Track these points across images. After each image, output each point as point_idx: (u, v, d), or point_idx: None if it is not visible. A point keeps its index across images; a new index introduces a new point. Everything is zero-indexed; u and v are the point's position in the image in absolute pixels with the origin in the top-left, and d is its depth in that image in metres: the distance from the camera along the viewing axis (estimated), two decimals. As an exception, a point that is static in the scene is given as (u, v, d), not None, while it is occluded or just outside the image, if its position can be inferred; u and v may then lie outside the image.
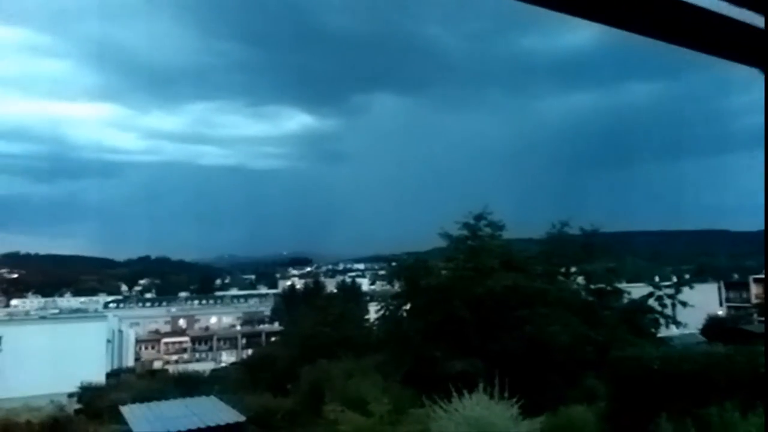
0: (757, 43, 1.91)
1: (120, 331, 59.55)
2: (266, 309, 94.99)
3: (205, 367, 57.11)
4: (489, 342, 22.47)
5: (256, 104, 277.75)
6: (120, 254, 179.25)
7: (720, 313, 57.60)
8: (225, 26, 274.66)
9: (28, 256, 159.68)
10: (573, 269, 28.31)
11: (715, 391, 12.61)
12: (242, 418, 16.51)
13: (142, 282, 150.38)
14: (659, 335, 26.84)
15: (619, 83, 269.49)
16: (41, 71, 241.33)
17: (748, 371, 13.09)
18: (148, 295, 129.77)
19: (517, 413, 13.51)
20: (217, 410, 17.09)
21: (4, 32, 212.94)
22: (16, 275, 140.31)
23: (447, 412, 13.62)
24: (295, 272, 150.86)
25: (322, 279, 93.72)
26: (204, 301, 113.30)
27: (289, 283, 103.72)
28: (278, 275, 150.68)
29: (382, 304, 28.94)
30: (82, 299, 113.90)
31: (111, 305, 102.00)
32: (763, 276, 72.30)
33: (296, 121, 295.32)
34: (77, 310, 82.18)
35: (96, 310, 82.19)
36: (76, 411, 27.60)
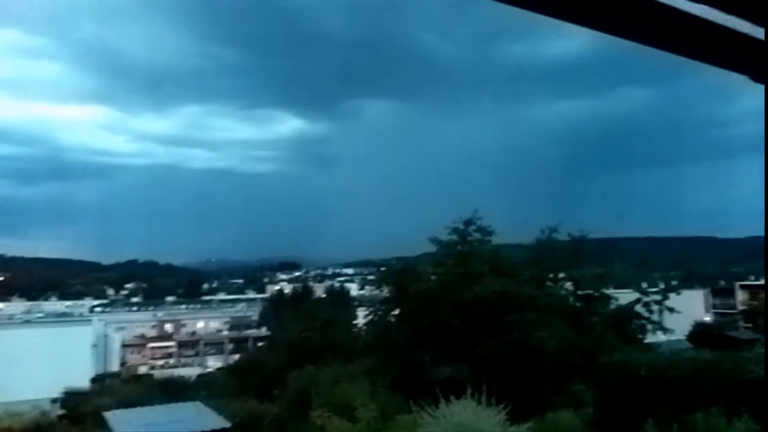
0: (758, 54, 1.91)
1: (105, 336, 59.00)
2: (254, 314, 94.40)
3: (192, 372, 56.70)
4: (477, 347, 22.45)
5: (248, 108, 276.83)
6: (107, 258, 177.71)
7: (706, 319, 57.96)
8: (218, 30, 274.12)
9: (13, 258, 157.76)
10: (561, 275, 28.38)
11: (702, 397, 12.67)
12: (228, 424, 16.37)
13: (128, 286, 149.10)
14: (646, 341, 26.95)
15: (610, 90, 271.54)
16: (32, 73, 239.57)
17: (735, 377, 13.16)
18: (135, 300, 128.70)
19: (505, 419, 13.49)
20: (203, 416, 16.93)
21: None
22: (0, 278, 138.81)
23: (434, 418, 13.57)
24: (283, 277, 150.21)
25: (311, 284, 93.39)
26: (191, 306, 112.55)
27: (277, 287, 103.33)
28: (266, 280, 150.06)
29: (371, 309, 28.89)
30: (68, 303, 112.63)
31: (97, 309, 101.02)
32: (749, 282, 73.02)
33: (288, 125, 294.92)
34: (63, 314, 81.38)
35: (82, 314, 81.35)
36: (60, 416, 27.27)
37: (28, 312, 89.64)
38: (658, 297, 27.63)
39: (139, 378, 46.86)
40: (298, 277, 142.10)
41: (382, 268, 29.19)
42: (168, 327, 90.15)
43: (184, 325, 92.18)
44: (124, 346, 75.54)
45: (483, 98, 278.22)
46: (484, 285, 23.90)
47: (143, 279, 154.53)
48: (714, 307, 69.59)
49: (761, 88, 2.01)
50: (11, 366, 38.17)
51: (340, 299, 65.27)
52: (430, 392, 14.52)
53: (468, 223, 26.73)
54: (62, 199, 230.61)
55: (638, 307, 27.29)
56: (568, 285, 28.22)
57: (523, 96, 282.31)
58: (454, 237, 26.78)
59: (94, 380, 42.71)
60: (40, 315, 78.35)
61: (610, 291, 29.41)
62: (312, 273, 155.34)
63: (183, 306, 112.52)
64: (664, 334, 28.11)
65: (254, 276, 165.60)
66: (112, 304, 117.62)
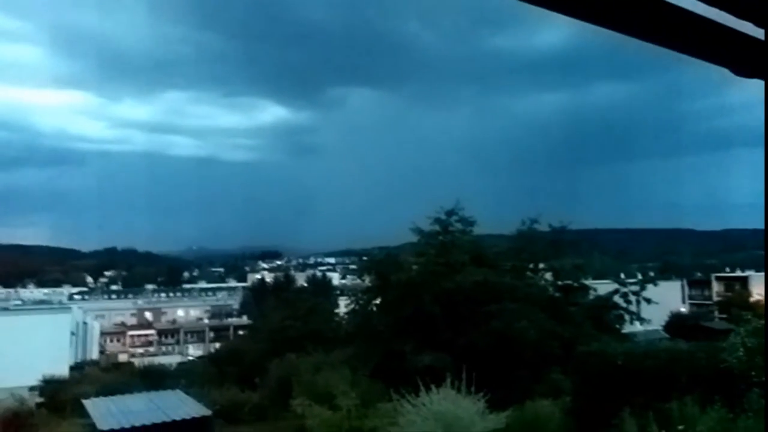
0: (758, 54, 1.94)
1: (85, 324, 58.39)
2: (235, 302, 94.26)
3: (172, 360, 56.40)
4: (457, 337, 22.63)
5: (230, 95, 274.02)
6: (86, 245, 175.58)
7: (683, 310, 58.94)
8: (201, 16, 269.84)
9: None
10: (541, 265, 28.65)
11: (677, 386, 12.92)
12: (208, 412, 16.35)
13: (108, 274, 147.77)
14: (624, 331, 27.35)
15: (592, 83, 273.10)
16: (9, 56, 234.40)
17: (709, 367, 13.43)
18: (114, 287, 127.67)
19: (484, 407, 13.65)
20: (183, 404, 16.88)
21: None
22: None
23: (414, 407, 13.69)
24: (265, 266, 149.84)
25: (293, 273, 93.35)
26: (171, 294, 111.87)
27: (258, 276, 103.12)
28: (248, 268, 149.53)
29: (353, 298, 28.94)
30: (46, 290, 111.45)
31: (76, 297, 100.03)
32: (724, 274, 74.34)
33: (270, 113, 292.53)
34: (41, 302, 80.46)
35: (60, 302, 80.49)
36: (38, 404, 26.98)
37: (5, 299, 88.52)
38: (635, 288, 28.01)
39: (118, 366, 46.53)
40: (279, 266, 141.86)
41: (364, 258, 29.30)
42: (148, 315, 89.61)
43: (164, 313, 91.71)
44: (104, 334, 74.90)
45: (466, 89, 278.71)
46: (465, 275, 24.05)
47: (123, 267, 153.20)
48: (690, 298, 70.75)
49: (749, 82, 2.04)
50: (-13, 354, 37.66)
51: (321, 288, 65.35)
52: (410, 381, 14.63)
53: (450, 213, 26.83)
54: (41, 185, 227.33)
55: (616, 298, 27.65)
56: (548, 275, 28.50)
57: (507, 87, 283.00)
58: (436, 227, 26.87)
59: (73, 368, 42.30)
60: (17, 302, 77.40)
61: (589, 281, 29.77)
62: (294, 262, 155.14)
63: (163, 294, 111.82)
64: (641, 324, 28.55)
65: (235, 264, 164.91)
66: (91, 291, 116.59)
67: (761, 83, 2.02)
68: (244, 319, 76.53)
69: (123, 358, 66.92)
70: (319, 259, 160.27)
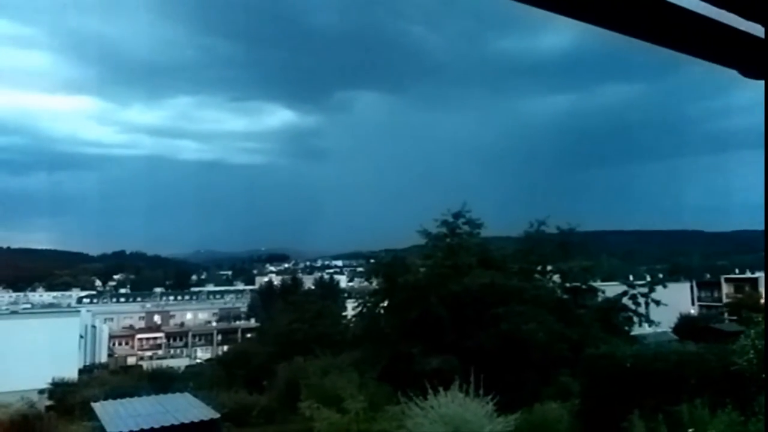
0: (758, 52, 1.93)
1: (93, 327, 58.63)
2: (242, 305, 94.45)
3: (180, 363, 56.58)
4: (465, 339, 22.57)
5: (238, 99, 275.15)
6: (95, 249, 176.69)
7: (692, 311, 58.53)
8: (209, 21, 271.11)
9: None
10: (549, 267, 28.54)
11: (686, 389, 12.83)
12: (216, 415, 16.35)
13: (116, 277, 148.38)
14: (633, 333, 27.20)
15: (597, 84, 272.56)
16: (21, 63, 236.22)
17: (719, 369, 13.34)
18: (123, 291, 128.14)
19: (492, 410, 13.59)
20: (191, 407, 16.90)
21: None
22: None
23: (422, 410, 13.65)
24: (272, 268, 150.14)
25: (300, 276, 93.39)
26: (179, 297, 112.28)
27: (266, 279, 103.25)
28: (255, 271, 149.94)
29: (360, 301, 28.92)
30: (55, 294, 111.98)
31: (84, 300, 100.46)
32: (734, 276, 73.78)
33: (278, 116, 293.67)
34: (50, 305, 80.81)
35: (69, 305, 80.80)
36: (47, 407, 27.12)
37: (14, 303, 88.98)
38: (644, 290, 27.87)
39: (127, 369, 46.75)
40: (287, 268, 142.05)
41: (372, 260, 29.23)
42: (156, 318, 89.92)
43: (172, 316, 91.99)
44: (112, 337, 75.18)
45: (473, 91, 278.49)
46: (472, 277, 24.00)
47: (131, 270, 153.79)
48: (699, 299, 70.24)
49: (753, 82, 2.03)
50: (-3, 357, 37.89)
51: (329, 291, 65.31)
52: (418, 384, 14.59)
53: (457, 215, 26.80)
54: (50, 189, 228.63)
55: (625, 300, 27.51)
56: (556, 277, 28.39)
57: (513, 90, 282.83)
58: (443, 229, 26.85)
59: (82, 371, 42.50)
60: (27, 306, 77.78)
61: (597, 284, 29.65)
62: (301, 265, 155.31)
63: (171, 297, 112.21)
64: (650, 326, 28.38)
65: (243, 268, 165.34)
66: (99, 295, 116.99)
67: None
68: (252, 322, 76.67)
69: (131, 361, 67.18)
70: (327, 262, 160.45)
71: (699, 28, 1.85)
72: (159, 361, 60.36)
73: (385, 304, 26.95)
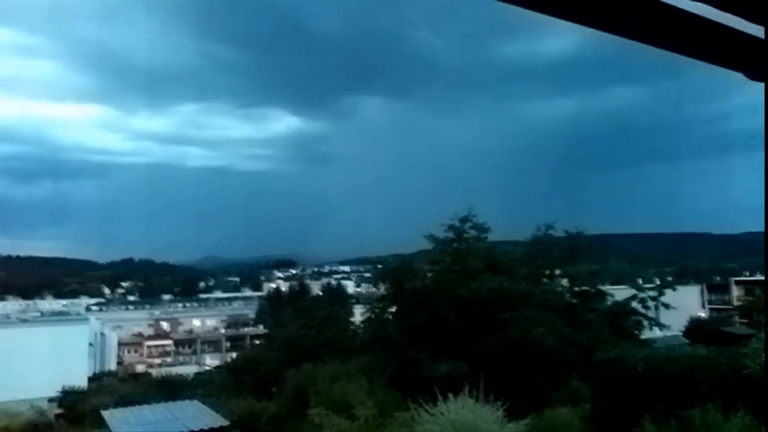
0: (758, 53, 1.93)
1: (102, 335, 58.90)
2: (251, 312, 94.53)
3: (189, 370, 56.60)
4: (474, 344, 22.50)
5: (244, 106, 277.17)
6: (103, 256, 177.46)
7: (702, 315, 58.15)
8: (215, 28, 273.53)
9: (8, 258, 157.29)
10: (557, 271, 28.44)
11: (698, 393, 12.73)
12: (226, 423, 16.37)
13: (124, 284, 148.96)
14: (642, 337, 27.04)
15: (603, 88, 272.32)
16: (29, 71, 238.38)
17: (730, 373, 13.22)
18: (131, 298, 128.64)
19: (502, 416, 13.52)
20: (201, 414, 16.92)
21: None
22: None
23: (432, 416, 13.60)
24: (279, 275, 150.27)
25: (308, 281, 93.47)
26: (187, 304, 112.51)
27: (273, 285, 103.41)
28: (263, 278, 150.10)
29: (368, 306, 28.88)
30: (64, 302, 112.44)
31: (93, 308, 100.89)
32: (744, 278, 73.27)
33: (284, 123, 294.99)
34: (59, 313, 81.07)
35: (78, 313, 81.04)
36: (57, 416, 27.23)
37: (24, 311, 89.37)
38: (653, 293, 27.71)
39: (136, 376, 46.84)
40: (294, 275, 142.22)
41: (379, 266, 29.18)
42: (165, 325, 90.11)
43: (180, 323, 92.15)
44: (121, 344, 75.52)
45: (478, 96, 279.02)
46: (480, 282, 23.92)
47: (139, 277, 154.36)
48: (709, 302, 69.78)
49: (758, 85, 2.03)
50: (8, 365, 38.05)
51: (336, 297, 65.32)
52: (427, 389, 14.54)
53: (464, 220, 26.74)
54: (58, 197, 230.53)
55: (634, 304, 27.36)
56: (564, 281, 28.28)
57: (518, 94, 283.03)
58: (450, 234, 26.79)
59: (91, 379, 42.67)
60: (36, 314, 78.12)
61: (606, 287, 29.49)
62: (308, 271, 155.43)
63: (179, 304, 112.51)
64: (660, 330, 28.23)
65: (251, 274, 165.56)
66: (108, 302, 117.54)
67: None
68: (260, 329, 76.80)
69: (140, 368, 67.37)
70: (334, 268, 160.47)
71: (702, 31, 1.85)
72: (168, 369, 60.51)
73: (393, 309, 26.90)
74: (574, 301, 27.48)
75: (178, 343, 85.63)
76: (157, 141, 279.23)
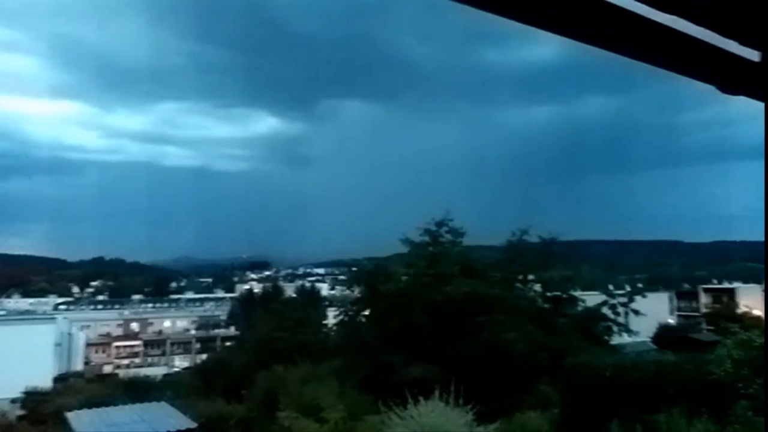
0: (743, 72, 1.97)
1: (69, 334, 57.67)
2: (222, 313, 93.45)
3: (158, 371, 55.78)
4: (446, 348, 22.55)
5: (223, 106, 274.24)
6: (73, 255, 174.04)
7: (671, 321, 59.16)
8: (195, 28, 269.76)
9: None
10: (531, 277, 28.66)
11: (664, 398, 12.93)
12: (194, 425, 16.15)
13: (94, 284, 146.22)
14: (612, 343, 27.38)
15: (580, 96, 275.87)
16: (3, 66, 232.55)
17: (696, 379, 13.46)
18: (101, 298, 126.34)
19: (472, 419, 13.58)
20: (168, 416, 16.67)
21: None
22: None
23: (402, 419, 13.59)
24: (253, 276, 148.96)
25: (281, 283, 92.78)
26: (158, 305, 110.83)
27: (246, 287, 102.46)
28: (236, 279, 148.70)
29: (342, 309, 28.79)
30: (31, 300, 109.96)
31: (61, 307, 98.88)
32: (712, 286, 74.78)
33: (264, 123, 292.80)
34: (26, 312, 79.32)
35: (45, 312, 79.41)
36: (19, 417, 26.62)
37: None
38: (624, 299, 28.08)
39: (103, 377, 46.03)
40: (268, 276, 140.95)
41: (354, 269, 29.14)
42: (134, 326, 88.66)
43: (150, 323, 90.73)
44: (89, 344, 74.00)
45: (458, 101, 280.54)
46: (454, 286, 24.01)
47: (109, 277, 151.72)
48: (678, 309, 71.01)
49: (728, 98, 2.10)
50: (-30, 365, 37.06)
51: (310, 299, 64.87)
52: (398, 393, 14.54)
53: (440, 224, 26.84)
54: (29, 194, 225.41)
55: (605, 309, 27.69)
56: (537, 287, 28.52)
57: (498, 100, 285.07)
58: (426, 238, 26.86)
59: (56, 380, 41.73)
60: (1, 313, 76.31)
61: (578, 293, 29.81)
62: (282, 272, 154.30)
63: (150, 305, 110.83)
64: (630, 335, 28.59)
65: (223, 275, 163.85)
66: (77, 302, 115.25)
67: (748, 100, 2.07)
68: (232, 330, 75.96)
69: (108, 369, 66.25)
70: (308, 270, 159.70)
71: (682, 45, 1.87)
72: (136, 370, 59.61)
73: (367, 312, 26.85)
74: (547, 306, 27.72)
75: (147, 343, 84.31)
76: (134, 139, 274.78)
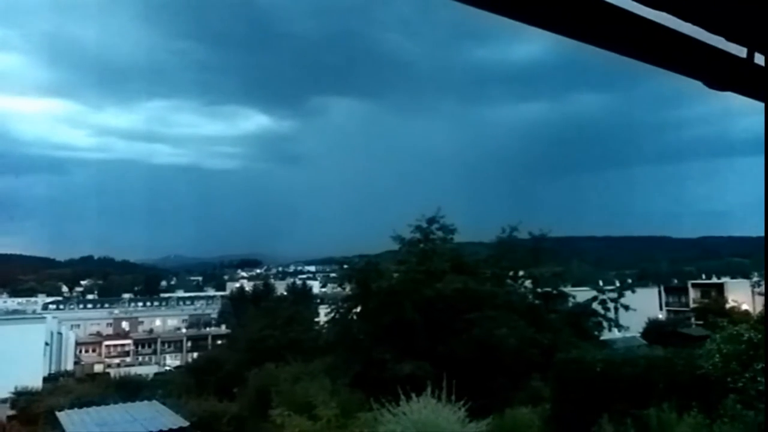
0: (743, 71, 2.00)
1: (59, 334, 57.36)
2: (213, 311, 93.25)
3: (149, 370, 55.57)
4: (438, 345, 22.62)
5: (213, 103, 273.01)
6: (62, 254, 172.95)
7: (660, 316, 59.59)
8: (184, 25, 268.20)
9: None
10: (521, 273, 28.78)
11: (654, 393, 13.03)
12: (186, 423, 16.10)
13: (84, 283, 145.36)
14: (603, 338, 27.57)
15: (569, 93, 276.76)
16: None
17: (686, 373, 13.58)
18: (90, 297, 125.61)
19: (464, 416, 13.62)
20: (160, 415, 16.61)
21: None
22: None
23: (395, 416, 13.62)
24: (244, 274, 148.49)
25: (272, 281, 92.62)
26: (148, 303, 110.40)
27: (237, 285, 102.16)
28: (226, 277, 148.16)
29: (333, 306, 28.79)
30: (20, 300, 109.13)
31: (51, 306, 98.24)
32: (701, 281, 75.40)
33: (253, 121, 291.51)
34: (14, 312, 78.72)
35: (34, 312, 78.90)
36: (9, 417, 26.44)
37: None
38: (613, 295, 28.27)
39: (94, 377, 45.73)
40: (259, 274, 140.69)
41: (345, 266, 29.13)
42: (124, 325, 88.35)
43: (141, 322, 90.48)
44: (79, 344, 73.64)
45: (447, 99, 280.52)
46: (445, 283, 24.07)
47: (99, 276, 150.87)
48: (667, 305, 71.55)
49: (715, 93, 2.12)
50: (-42, 365, 36.76)
51: (301, 297, 64.94)
52: (390, 390, 14.56)
53: (431, 221, 26.88)
54: (16, 193, 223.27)
55: (595, 305, 27.88)
56: (528, 283, 28.64)
57: (487, 97, 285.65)
58: (417, 235, 26.90)
59: (47, 379, 41.51)
60: (-11, 312, 75.67)
61: (568, 289, 30.00)
62: (273, 270, 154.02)
63: (140, 303, 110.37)
64: (620, 331, 28.82)
65: (214, 273, 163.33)
66: (66, 301, 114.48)
67: (736, 96, 2.09)
68: (223, 329, 75.80)
69: (99, 368, 65.75)
70: (299, 267, 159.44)
71: (670, 41, 1.89)
72: (127, 369, 59.24)
73: (358, 309, 26.87)
74: (537, 302, 27.85)
75: (138, 342, 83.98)
76: (123, 137, 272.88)
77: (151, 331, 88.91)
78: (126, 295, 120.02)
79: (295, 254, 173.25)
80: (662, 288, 74.28)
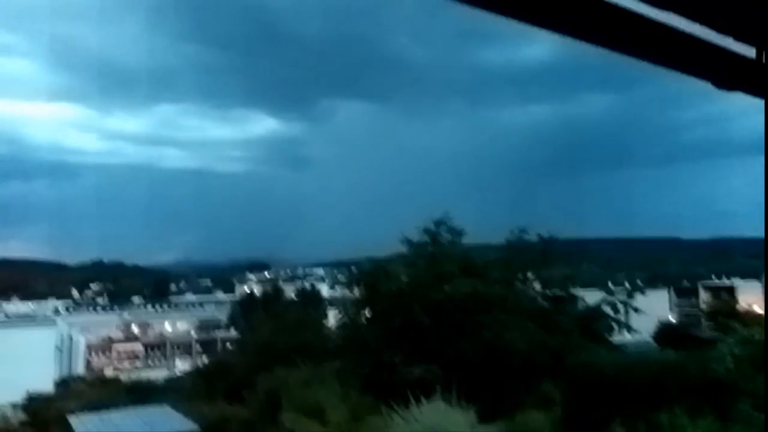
0: (738, 67, 1.98)
1: (70, 338, 57.78)
2: (223, 315, 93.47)
3: (159, 374, 55.73)
4: (447, 348, 22.53)
5: (222, 107, 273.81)
6: (72, 258, 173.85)
7: (671, 319, 59.20)
8: (193, 29, 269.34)
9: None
10: (530, 275, 28.65)
11: (666, 396, 12.93)
12: (196, 428, 16.17)
13: (94, 287, 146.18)
14: (613, 341, 27.36)
15: (576, 94, 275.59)
16: (1, 69, 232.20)
17: (698, 377, 13.47)
18: (100, 300, 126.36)
19: (474, 419, 13.59)
20: (170, 420, 16.69)
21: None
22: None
23: (405, 419, 13.61)
24: (253, 277, 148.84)
25: (281, 284, 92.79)
26: (158, 307, 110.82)
27: (246, 288, 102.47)
28: (236, 280, 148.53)
29: (342, 310, 28.78)
30: (31, 304, 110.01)
31: (61, 311, 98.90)
32: (712, 283, 74.85)
33: (262, 125, 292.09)
34: (25, 316, 79.44)
35: (45, 316, 79.51)
36: (21, 422, 26.62)
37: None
38: (624, 297, 28.05)
39: (105, 381, 45.99)
40: (268, 277, 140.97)
41: (353, 269, 29.14)
42: (135, 328, 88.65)
43: (151, 326, 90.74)
44: (89, 348, 74.03)
45: (455, 101, 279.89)
46: (454, 286, 24.00)
47: (109, 279, 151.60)
48: (678, 307, 71.06)
49: (723, 94, 2.11)
50: (-29, 370, 37.08)
51: (310, 300, 65.05)
52: (400, 393, 14.55)
53: (439, 223, 26.84)
54: (27, 197, 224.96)
55: (605, 308, 27.68)
56: (537, 285, 28.51)
57: (495, 99, 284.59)
58: (425, 238, 26.87)
59: (58, 384, 41.80)
60: (1, 316, 76.35)
61: (578, 291, 29.80)
62: (282, 273, 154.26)
63: (150, 307, 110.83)
64: (630, 334, 28.56)
65: (223, 277, 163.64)
66: (76, 305, 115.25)
67: (745, 96, 2.07)
68: (232, 332, 75.94)
69: (109, 372, 66.12)
70: (308, 270, 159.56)
71: (677, 42, 1.88)
72: (137, 373, 59.56)
73: (367, 313, 26.85)
74: (547, 304, 27.70)
75: (148, 346, 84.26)
76: (132, 141, 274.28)
77: (161, 334, 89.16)
78: (136, 299, 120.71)
79: (304, 257, 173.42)
80: (673, 290, 73.78)
